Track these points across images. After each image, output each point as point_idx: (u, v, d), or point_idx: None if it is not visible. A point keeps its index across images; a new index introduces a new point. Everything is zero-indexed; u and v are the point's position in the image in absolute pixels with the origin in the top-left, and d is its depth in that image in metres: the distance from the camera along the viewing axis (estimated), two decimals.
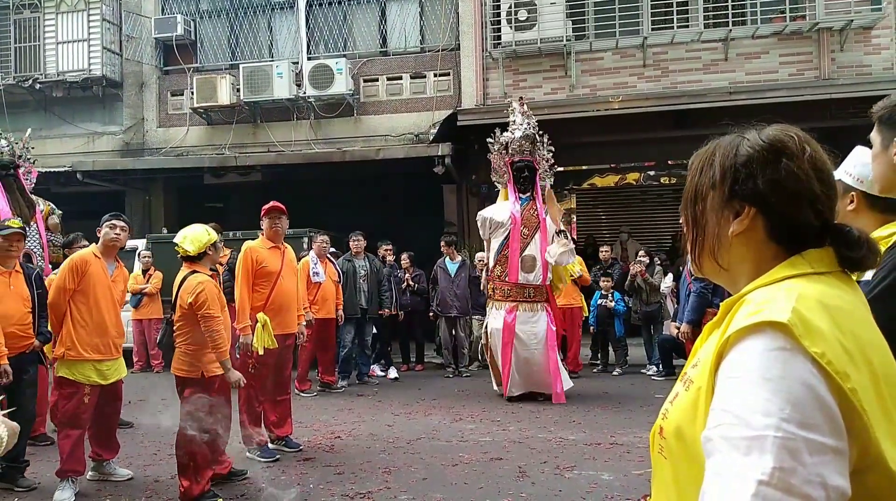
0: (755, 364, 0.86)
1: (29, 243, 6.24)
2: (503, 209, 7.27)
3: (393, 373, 8.99)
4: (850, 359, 0.87)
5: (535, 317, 7.08)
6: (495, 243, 7.28)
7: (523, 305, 7.07)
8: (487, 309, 7.52)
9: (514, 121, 7.34)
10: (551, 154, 7.36)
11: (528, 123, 7.28)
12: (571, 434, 5.77)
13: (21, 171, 6.61)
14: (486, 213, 7.37)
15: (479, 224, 7.44)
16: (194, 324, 4.32)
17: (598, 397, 7.33)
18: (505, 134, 7.35)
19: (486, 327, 7.47)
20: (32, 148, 7.16)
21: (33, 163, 7.05)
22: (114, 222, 4.72)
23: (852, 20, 9.12)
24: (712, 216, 1.07)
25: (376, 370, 9.07)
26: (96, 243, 4.83)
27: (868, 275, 1.63)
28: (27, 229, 6.33)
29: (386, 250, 9.23)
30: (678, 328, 6.99)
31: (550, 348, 7.03)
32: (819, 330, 0.87)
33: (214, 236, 4.55)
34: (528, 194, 7.23)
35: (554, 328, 7.12)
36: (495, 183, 7.57)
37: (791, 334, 0.86)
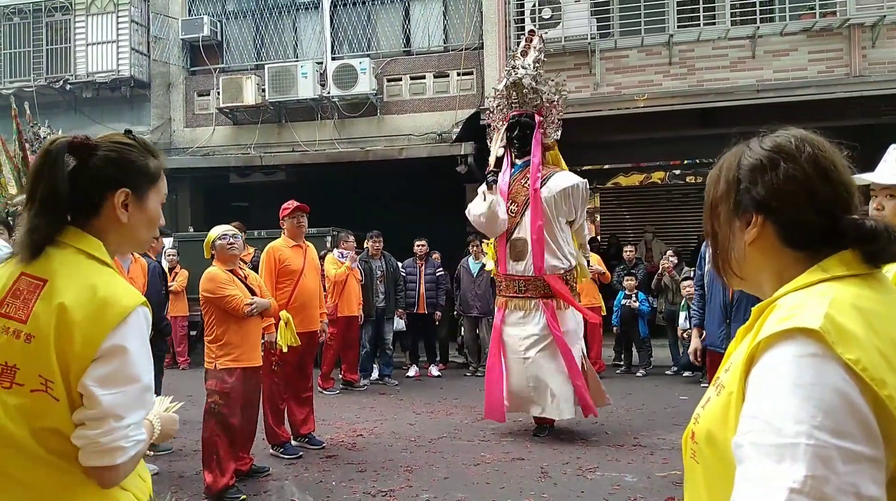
0: (786, 371, 0.85)
1: None
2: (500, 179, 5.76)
3: (412, 372, 9.06)
4: (888, 365, 0.85)
5: (527, 317, 5.49)
6: None
7: (513, 301, 5.59)
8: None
9: (512, 65, 5.77)
10: (561, 98, 5.72)
11: (514, 67, 5.67)
12: (594, 435, 5.73)
13: None
14: (484, 186, 5.68)
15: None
16: (212, 315, 4.43)
17: (621, 398, 7.27)
18: (494, 87, 5.92)
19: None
20: None
21: None
22: None
23: (885, 16, 8.91)
24: (726, 229, 1.07)
25: (433, 370, 9.12)
26: None
27: None
28: None
29: (419, 246, 9.23)
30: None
31: (561, 353, 5.42)
32: (853, 335, 0.85)
33: (213, 233, 4.62)
34: (527, 159, 5.59)
35: (564, 330, 5.46)
36: (499, 149, 5.91)
37: (823, 340, 0.84)
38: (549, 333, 5.39)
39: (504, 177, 5.57)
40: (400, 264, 9.09)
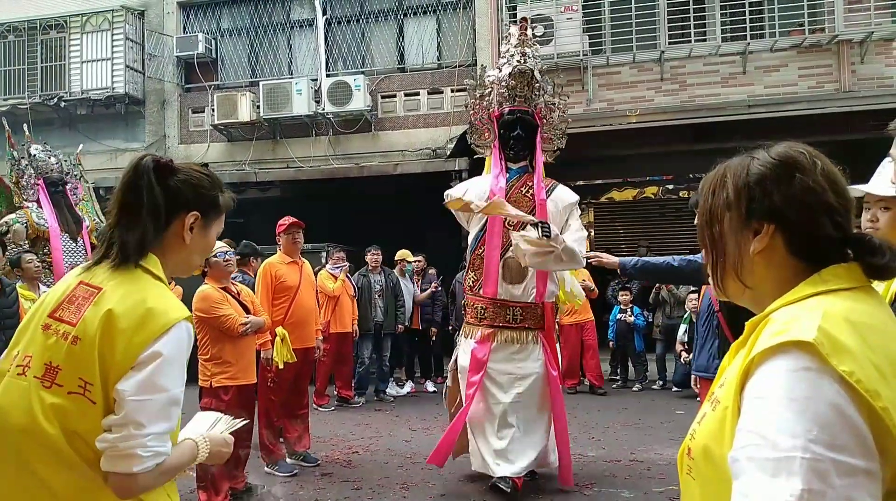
0: (781, 385, 0.86)
1: (75, 259, 6.44)
2: (481, 185, 4.70)
3: (408, 388, 9.02)
4: (881, 377, 0.85)
5: (522, 353, 4.49)
6: (471, 236, 4.81)
7: (504, 332, 4.50)
8: (456, 337, 5.10)
9: (506, 52, 4.81)
10: (562, 102, 4.91)
11: (524, 54, 4.68)
12: (591, 451, 5.71)
13: (68, 187, 6.82)
14: (457, 192, 4.57)
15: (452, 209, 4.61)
16: (206, 334, 4.41)
17: (617, 413, 7.25)
18: (490, 73, 4.90)
19: (452, 363, 4.94)
20: (80, 165, 7.40)
21: (80, 178, 7.27)
22: None
23: (872, 32, 9.04)
24: (731, 238, 1.06)
25: (428, 386, 9.11)
26: None
27: None
28: (74, 244, 6.53)
29: (416, 261, 9.22)
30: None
31: (550, 400, 4.52)
32: (847, 348, 0.86)
33: None
34: (523, 164, 4.68)
35: (555, 373, 4.56)
36: (476, 148, 4.94)
37: (817, 353, 0.85)
38: (545, 371, 4.50)
39: (498, 182, 4.57)
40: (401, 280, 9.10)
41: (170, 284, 6.01)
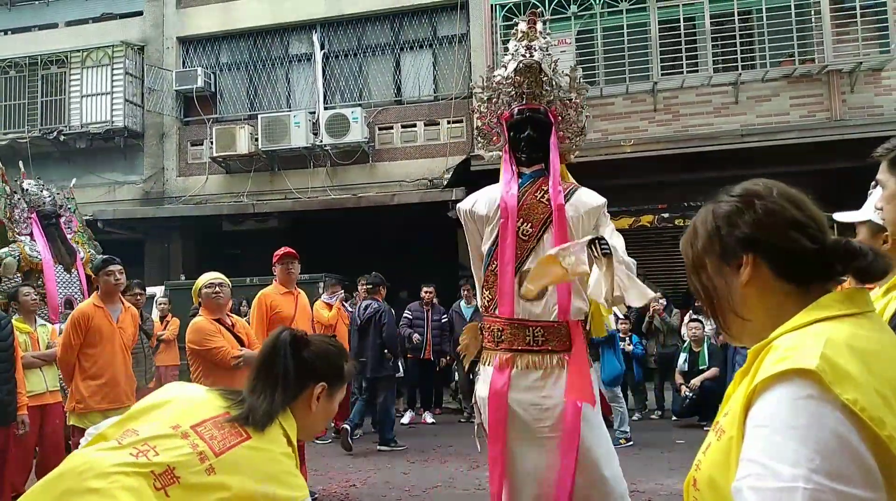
0: (783, 413, 0.85)
1: (70, 290, 6.44)
2: (491, 194, 4.14)
3: (406, 418, 8.95)
4: (886, 404, 0.85)
5: (546, 381, 3.72)
6: (485, 250, 4.17)
7: (523, 357, 3.80)
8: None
9: (513, 48, 4.30)
10: (581, 98, 4.35)
11: (529, 48, 4.22)
12: None
13: (62, 220, 6.86)
14: (466, 204, 4.17)
15: (462, 222, 4.20)
16: (199, 366, 4.40)
17: (617, 442, 7.18)
18: (496, 73, 4.36)
19: (474, 396, 4.10)
20: (73, 198, 7.43)
21: (73, 212, 7.31)
22: (109, 267, 4.72)
23: (861, 62, 9.19)
24: (719, 279, 1.09)
25: (427, 417, 9.02)
26: (97, 292, 4.85)
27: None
28: (69, 275, 6.54)
29: (427, 292, 9.18)
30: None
31: (569, 444, 3.57)
32: (850, 376, 0.85)
33: (200, 281, 4.63)
34: (538, 168, 4.10)
35: (580, 406, 3.62)
36: (485, 153, 4.54)
37: (820, 381, 0.85)
38: (570, 407, 3.70)
39: (510, 188, 4.06)
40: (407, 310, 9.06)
41: (167, 315, 5.99)
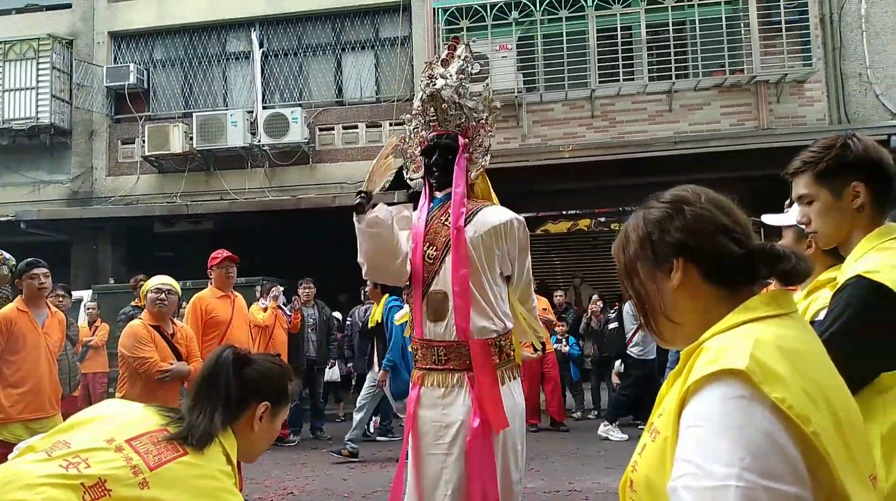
0: (715, 414, 0.87)
1: None
2: (409, 221, 4.38)
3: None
4: (811, 402, 0.88)
5: (447, 398, 3.83)
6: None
7: (430, 375, 3.91)
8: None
9: (429, 75, 4.35)
10: (491, 116, 4.43)
11: (431, 76, 4.30)
12: (530, 482, 5.70)
13: None
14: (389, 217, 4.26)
15: None
16: (125, 371, 4.27)
17: (556, 443, 7.29)
18: (415, 104, 4.48)
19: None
20: None
21: None
22: (33, 271, 4.43)
23: (786, 74, 9.62)
24: (651, 284, 1.11)
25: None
26: (20, 296, 4.59)
27: (820, 316, 1.68)
28: None
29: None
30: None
31: (473, 460, 3.57)
32: (778, 375, 0.88)
33: (149, 283, 4.48)
34: (448, 191, 4.15)
35: (476, 424, 3.65)
36: (411, 179, 4.58)
37: (750, 381, 0.87)
38: (469, 422, 3.72)
39: (421, 215, 4.15)
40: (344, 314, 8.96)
41: (95, 321, 5.74)
